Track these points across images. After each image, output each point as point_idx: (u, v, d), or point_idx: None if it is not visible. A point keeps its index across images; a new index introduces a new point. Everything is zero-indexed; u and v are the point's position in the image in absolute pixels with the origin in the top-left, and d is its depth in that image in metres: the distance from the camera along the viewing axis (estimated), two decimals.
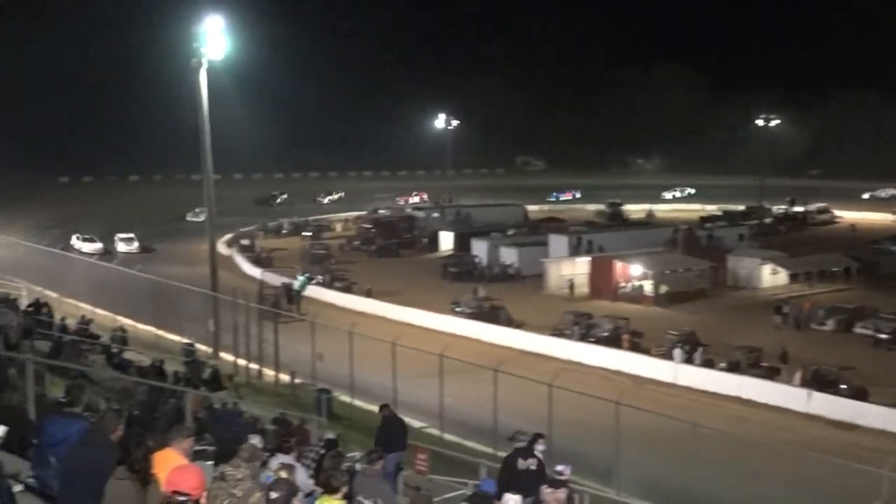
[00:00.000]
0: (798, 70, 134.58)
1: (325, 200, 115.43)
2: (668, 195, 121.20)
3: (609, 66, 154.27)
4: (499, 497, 12.50)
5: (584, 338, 46.50)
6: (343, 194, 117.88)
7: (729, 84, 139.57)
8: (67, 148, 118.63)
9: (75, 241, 76.23)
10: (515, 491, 14.71)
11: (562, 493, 13.16)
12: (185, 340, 43.08)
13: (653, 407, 29.37)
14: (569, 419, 28.39)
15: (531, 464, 15.63)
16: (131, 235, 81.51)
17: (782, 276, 62.69)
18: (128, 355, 37.42)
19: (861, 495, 22.57)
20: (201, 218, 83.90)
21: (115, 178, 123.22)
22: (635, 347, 44.84)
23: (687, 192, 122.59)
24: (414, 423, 33.03)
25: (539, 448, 17.81)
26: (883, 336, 47.40)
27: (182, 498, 5.90)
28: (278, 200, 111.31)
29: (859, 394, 36.48)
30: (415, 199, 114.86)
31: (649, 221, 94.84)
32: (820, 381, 37.60)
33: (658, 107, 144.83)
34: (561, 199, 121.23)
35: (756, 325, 50.36)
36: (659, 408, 29.56)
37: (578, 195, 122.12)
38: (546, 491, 12.81)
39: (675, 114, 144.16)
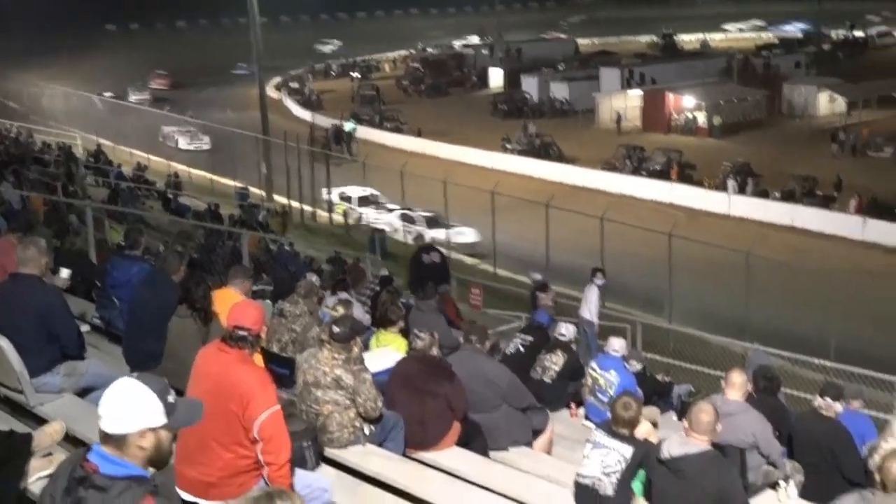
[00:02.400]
0: None
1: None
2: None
3: None
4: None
5: (636, 171, 46.21)
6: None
7: None
8: None
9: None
10: (424, 283, 16.26)
11: (552, 294, 15.62)
12: (239, 184, 43.58)
13: (706, 238, 29.34)
14: (621, 252, 28.46)
15: (434, 257, 17.25)
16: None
17: (840, 104, 61.05)
18: (184, 200, 38.08)
19: None
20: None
21: (161, 25, 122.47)
22: (685, 179, 44.47)
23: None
24: (467, 259, 33.49)
25: (598, 282, 18.55)
26: None
27: (243, 332, 6.03)
28: None
29: None
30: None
31: (703, 52, 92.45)
32: (876, 208, 37.21)
33: None
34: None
35: (812, 154, 49.55)
36: (712, 239, 29.51)
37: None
38: (541, 295, 15.08)
39: None
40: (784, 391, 11.61)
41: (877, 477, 5.70)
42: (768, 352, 16.65)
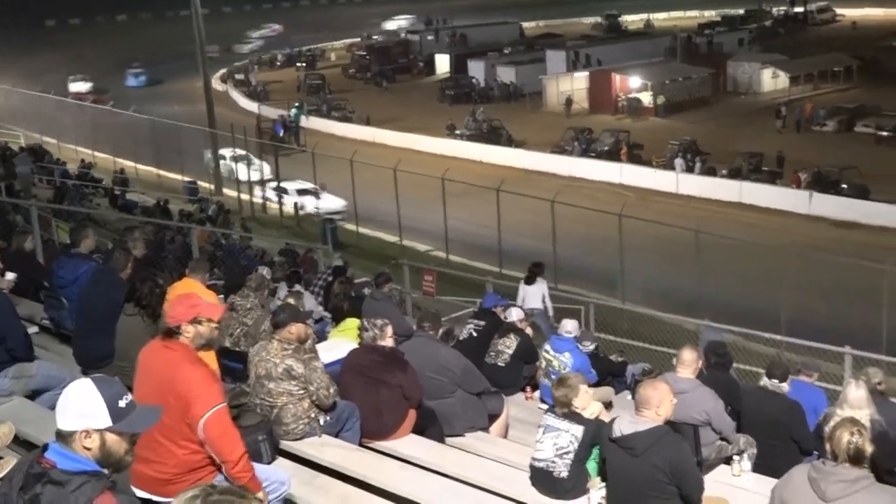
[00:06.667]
0: None
1: None
2: None
3: None
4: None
5: (585, 153, 46.41)
6: None
7: None
8: None
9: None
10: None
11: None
12: (187, 179, 43.15)
13: (656, 217, 29.51)
14: (573, 234, 28.65)
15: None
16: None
17: (783, 80, 61.81)
18: (133, 196, 37.66)
19: (865, 291, 22.83)
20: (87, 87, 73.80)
21: (102, 19, 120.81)
22: (634, 159, 44.76)
23: None
24: (419, 246, 33.49)
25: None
26: (884, 133, 47.34)
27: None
28: None
29: (861, 192, 36.62)
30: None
31: (647, 31, 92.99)
32: (821, 182, 37.75)
33: None
34: None
35: (757, 131, 50.09)
36: (662, 217, 29.65)
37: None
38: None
39: None
40: (736, 366, 11.75)
41: (827, 446, 5.76)
42: (720, 328, 16.85)
